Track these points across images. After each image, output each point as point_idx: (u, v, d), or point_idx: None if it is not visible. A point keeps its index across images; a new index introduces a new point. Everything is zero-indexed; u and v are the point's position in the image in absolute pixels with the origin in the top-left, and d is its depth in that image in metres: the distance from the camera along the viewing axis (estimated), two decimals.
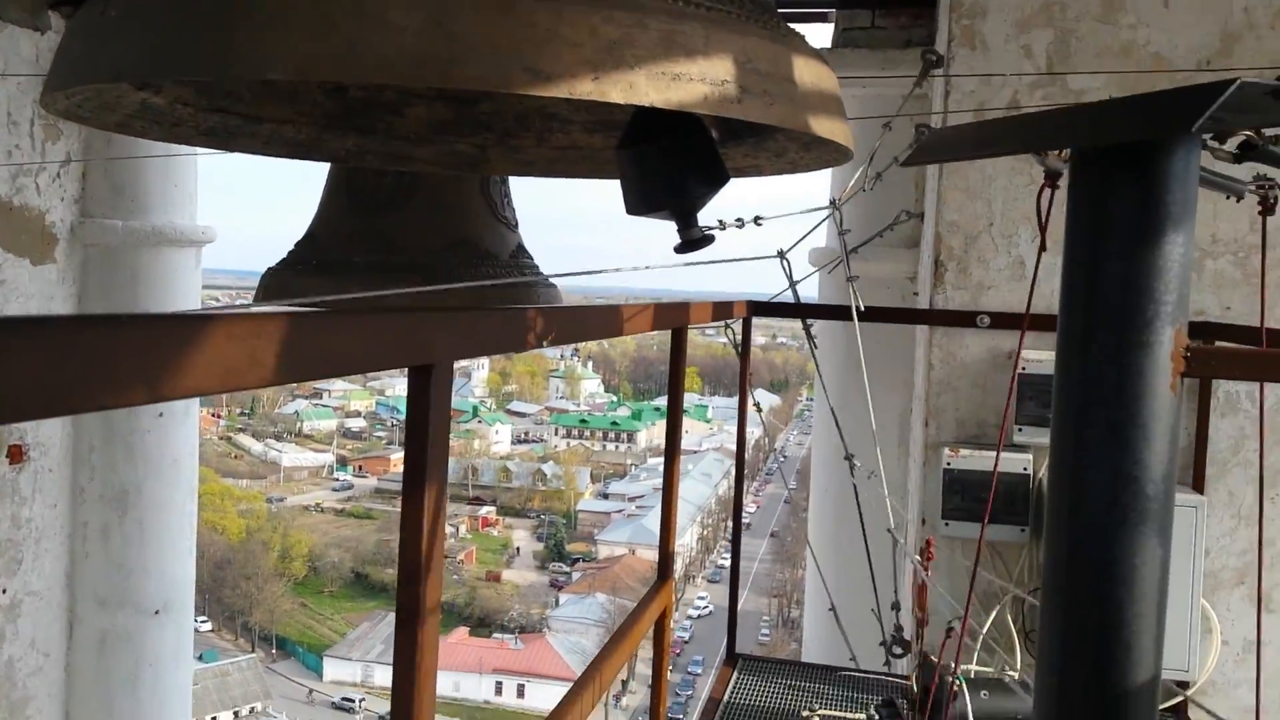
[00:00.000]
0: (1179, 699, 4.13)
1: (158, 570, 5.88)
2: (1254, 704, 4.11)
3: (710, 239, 3.00)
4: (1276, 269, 4.27)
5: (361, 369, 1.20)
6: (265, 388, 1.01)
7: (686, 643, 56.72)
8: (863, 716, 3.25)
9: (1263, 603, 4.21)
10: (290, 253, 3.44)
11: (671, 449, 3.20)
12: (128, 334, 0.85)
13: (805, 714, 3.27)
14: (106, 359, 0.82)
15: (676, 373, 3.25)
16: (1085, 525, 1.22)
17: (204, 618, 57.93)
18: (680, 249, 3.54)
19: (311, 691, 53.43)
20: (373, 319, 1.24)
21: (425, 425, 1.35)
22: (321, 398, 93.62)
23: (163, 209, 5.80)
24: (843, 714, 3.35)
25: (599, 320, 2.26)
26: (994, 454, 4.20)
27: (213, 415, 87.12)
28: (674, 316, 3.04)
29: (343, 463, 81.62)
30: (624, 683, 52.96)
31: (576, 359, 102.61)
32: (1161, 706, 3.99)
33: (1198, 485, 4.22)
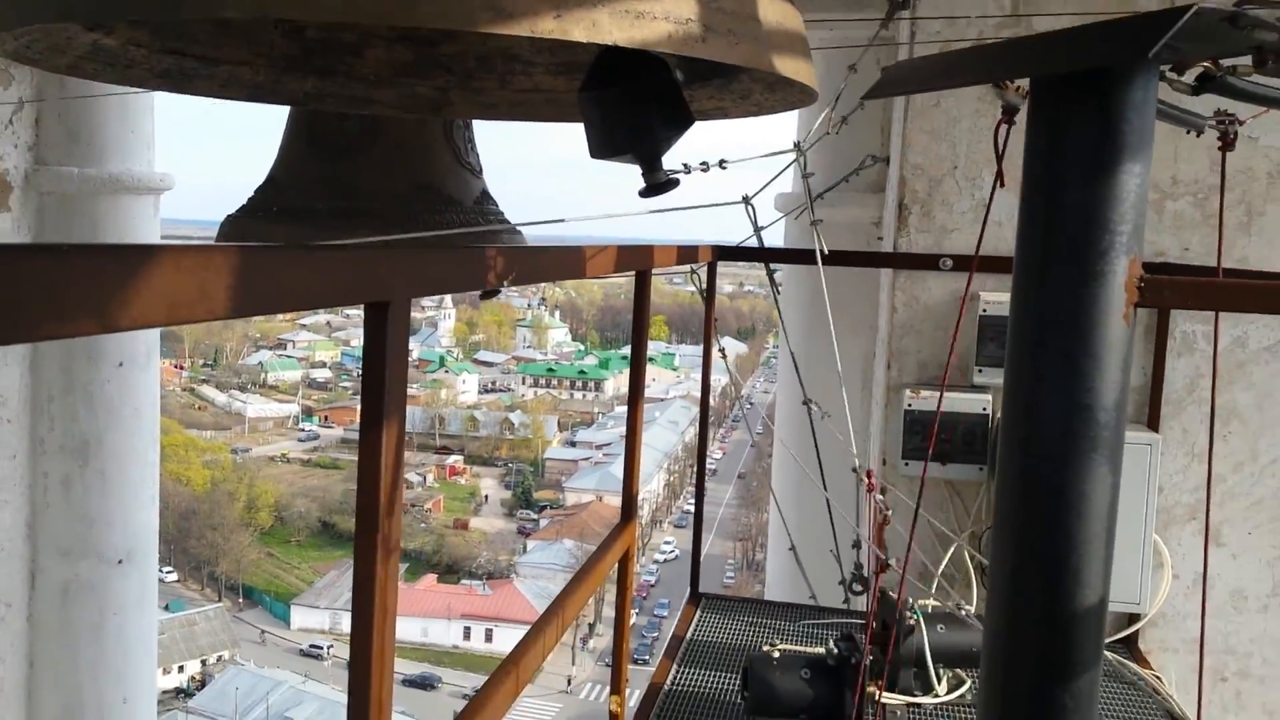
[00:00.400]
0: (1131, 630, 4.24)
1: (120, 520, 5.84)
2: (1202, 635, 4.23)
3: (675, 182, 2.98)
4: (1235, 209, 4.32)
5: (315, 305, 1.19)
6: (215, 320, 1.00)
7: (653, 586, 57.48)
8: (822, 650, 3.31)
9: (1210, 537, 4.32)
10: (250, 199, 3.39)
11: (635, 390, 3.21)
12: (75, 264, 0.84)
13: (766, 648, 3.33)
14: (54, 288, 0.81)
15: (640, 315, 3.24)
16: (1037, 452, 1.24)
17: (170, 568, 57.90)
18: (645, 193, 3.51)
19: (264, 632, 53.65)
20: (327, 255, 1.22)
21: (382, 363, 1.34)
22: (286, 349, 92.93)
23: (120, 156, 5.68)
24: (802, 648, 3.40)
25: (560, 261, 2.25)
26: (956, 395, 4.25)
27: (175, 367, 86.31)
28: (638, 259, 3.03)
29: (308, 413, 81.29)
30: (591, 626, 53.62)
31: (544, 308, 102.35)
32: (1114, 637, 4.10)
33: (1153, 424, 4.30)
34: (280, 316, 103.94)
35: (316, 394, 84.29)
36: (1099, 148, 1.22)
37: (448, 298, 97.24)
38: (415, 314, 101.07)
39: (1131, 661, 4.00)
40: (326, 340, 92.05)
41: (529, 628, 2.22)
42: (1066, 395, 1.22)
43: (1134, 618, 4.24)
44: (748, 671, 3.32)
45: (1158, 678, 3.89)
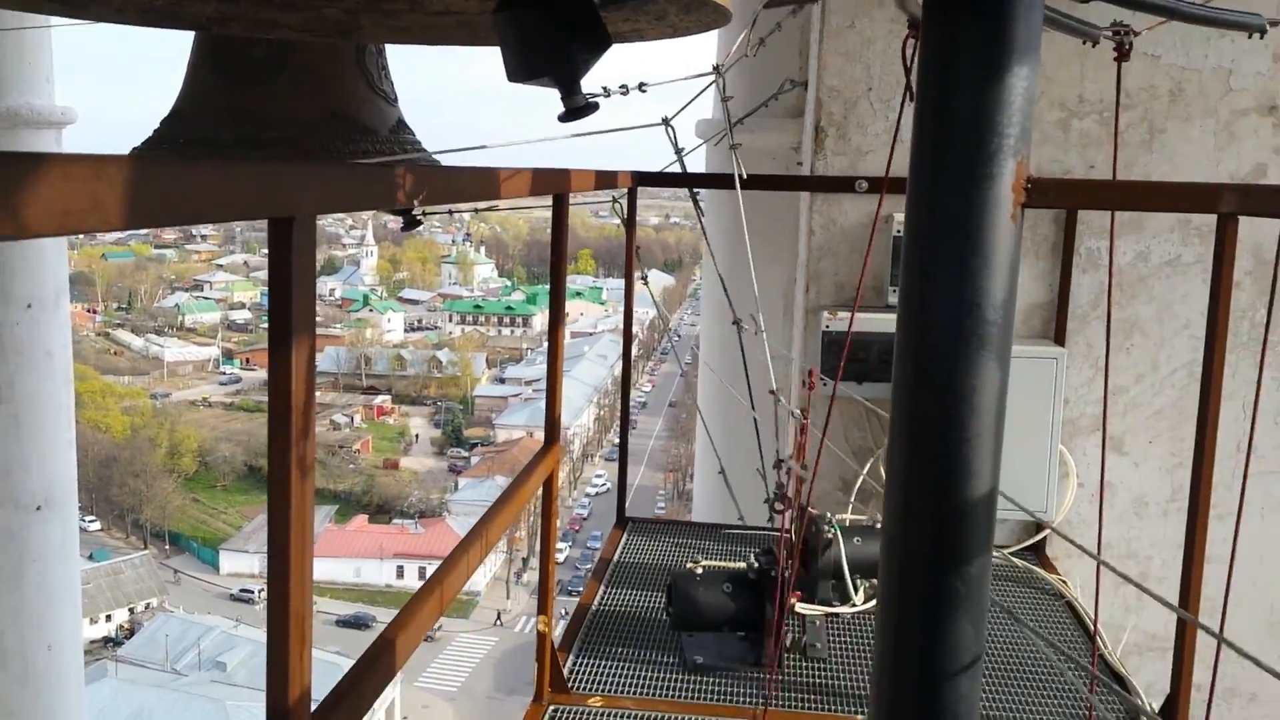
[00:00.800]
0: (1039, 537, 4.43)
1: (37, 465, 5.72)
2: (1104, 539, 4.42)
3: (594, 106, 2.97)
4: (1138, 127, 4.44)
5: (213, 218, 1.17)
6: (109, 232, 0.99)
7: (585, 519, 58.08)
8: (743, 565, 3.41)
9: (1113, 446, 4.50)
10: (156, 131, 3.29)
11: (555, 313, 3.22)
12: None
13: (689, 565, 3.41)
14: None
15: (559, 240, 3.24)
16: (930, 349, 1.29)
17: (92, 517, 56.84)
18: (564, 117, 3.48)
19: (177, 572, 53.19)
20: (226, 166, 1.21)
21: (288, 281, 1.32)
22: (203, 290, 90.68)
23: (17, 89, 5.46)
24: (725, 564, 3.50)
25: (473, 182, 2.24)
26: (872, 316, 4.33)
27: (88, 311, 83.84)
28: (555, 182, 3.02)
29: (229, 356, 79.69)
30: (524, 560, 54.07)
31: (469, 244, 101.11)
32: (1022, 544, 4.28)
33: (1059, 339, 4.44)
34: (197, 256, 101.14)
35: (237, 336, 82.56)
36: (987, 53, 1.25)
37: (369, 234, 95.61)
38: (336, 252, 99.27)
39: (1039, 567, 4.18)
40: (245, 280, 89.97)
41: (454, 548, 2.24)
42: (957, 294, 1.27)
43: (1041, 525, 4.42)
44: (671, 588, 3.40)
45: (1064, 582, 4.08)
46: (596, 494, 60.52)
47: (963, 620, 1.31)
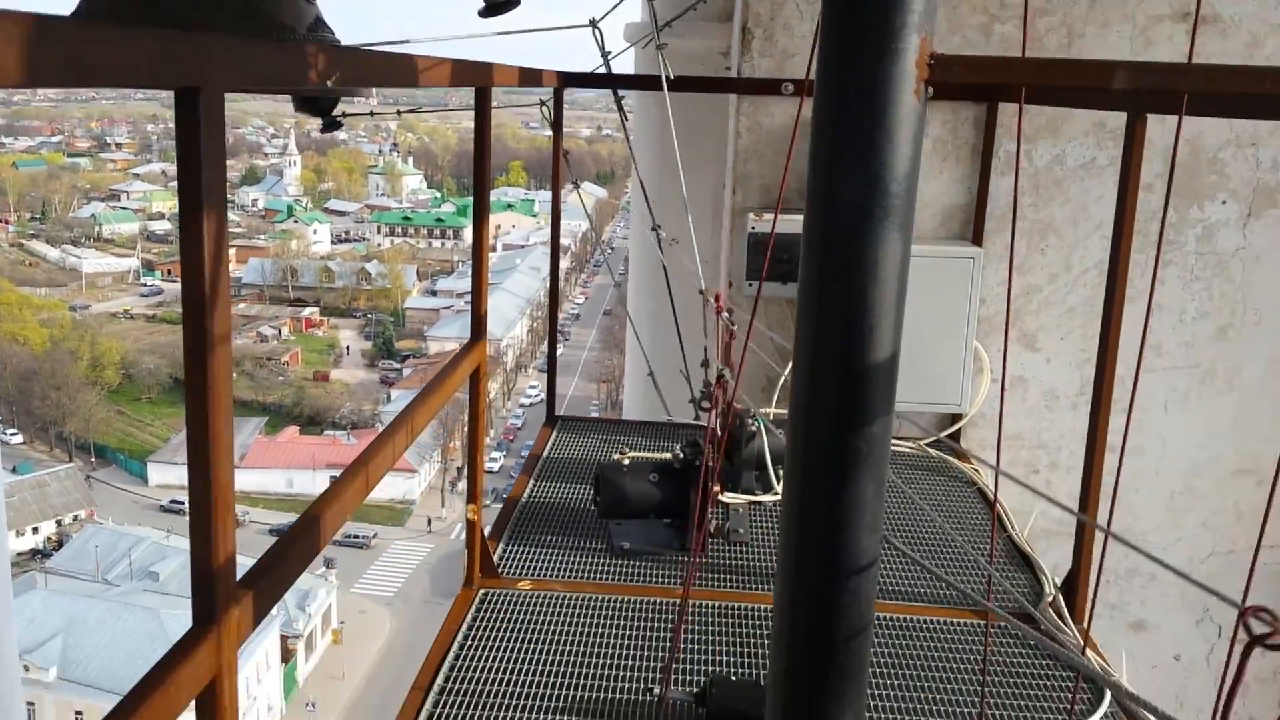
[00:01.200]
0: (954, 429, 4.59)
1: None
2: (1016, 431, 4.60)
3: (515, 2, 2.92)
4: (1057, 31, 4.49)
5: (115, 82, 1.15)
6: (5, 87, 0.98)
7: (520, 429, 58.41)
8: (669, 455, 3.49)
9: (1025, 343, 4.65)
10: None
11: (479, 212, 3.21)
12: None
13: (616, 456, 3.49)
14: None
15: (482, 137, 3.21)
16: (836, 223, 1.33)
17: (14, 430, 55.62)
18: (484, 12, 3.43)
19: (89, 476, 52.56)
20: (133, 32, 1.19)
21: (196, 155, 1.31)
22: (120, 199, 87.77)
23: None
24: (651, 455, 3.58)
25: (389, 66, 2.20)
26: (796, 217, 4.38)
27: (1, 221, 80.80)
28: (476, 74, 2.98)
29: (149, 267, 77.58)
30: (460, 469, 54.26)
31: (396, 155, 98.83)
32: (938, 436, 4.43)
33: (977, 239, 4.54)
34: (112, 165, 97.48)
35: (156, 247, 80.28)
36: None
37: (291, 143, 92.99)
38: (258, 161, 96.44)
39: (953, 458, 4.34)
40: (163, 190, 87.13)
41: (401, 479, 2.26)
42: (862, 167, 1.31)
43: (957, 418, 4.58)
44: (599, 478, 3.48)
45: (976, 471, 4.25)
46: (530, 404, 60.76)
47: (865, 479, 1.38)
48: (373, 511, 50.21)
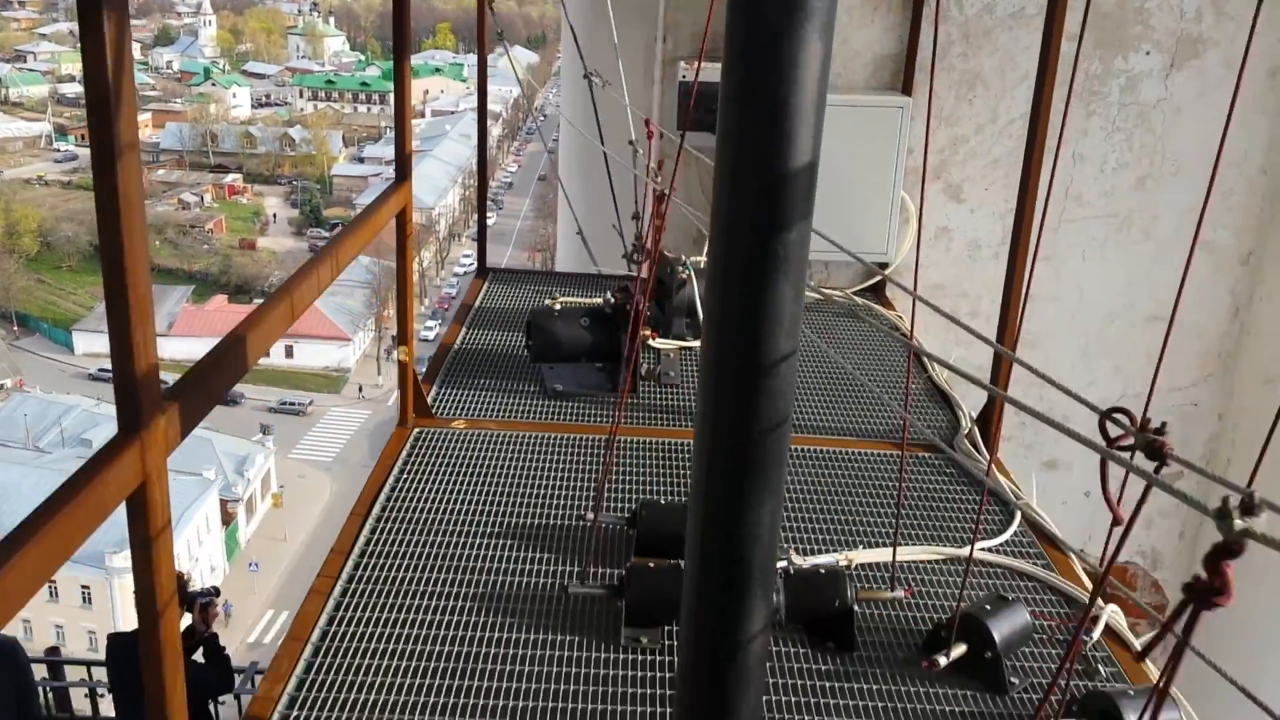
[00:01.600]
0: (878, 278, 4.68)
1: None
2: (939, 281, 4.70)
3: None
4: None
5: None
6: None
7: (454, 297, 58.04)
8: (599, 300, 3.52)
9: (950, 194, 4.72)
10: None
11: (400, 48, 3.13)
12: None
13: (547, 303, 3.51)
14: None
15: None
16: (755, 25, 1.34)
17: None
18: None
19: (13, 345, 51.42)
20: None
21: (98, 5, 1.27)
22: (26, 60, 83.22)
23: None
24: (583, 300, 3.61)
25: None
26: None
27: None
28: None
29: (62, 132, 74.22)
30: (394, 338, 53.96)
31: (317, 15, 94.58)
32: (863, 285, 4.52)
33: (906, 89, 4.55)
34: (16, 25, 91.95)
35: (69, 111, 76.58)
36: None
37: (205, 1, 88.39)
38: (171, 21, 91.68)
39: (878, 305, 4.43)
40: (72, 52, 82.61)
41: (333, 346, 2.25)
42: (778, 48, 1.32)
43: (883, 266, 4.66)
44: (531, 324, 3.51)
45: (900, 317, 4.35)
46: (464, 273, 60.22)
47: (783, 283, 1.41)
48: (307, 379, 49.91)
